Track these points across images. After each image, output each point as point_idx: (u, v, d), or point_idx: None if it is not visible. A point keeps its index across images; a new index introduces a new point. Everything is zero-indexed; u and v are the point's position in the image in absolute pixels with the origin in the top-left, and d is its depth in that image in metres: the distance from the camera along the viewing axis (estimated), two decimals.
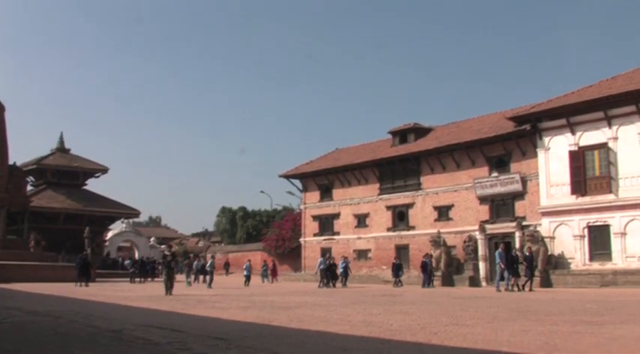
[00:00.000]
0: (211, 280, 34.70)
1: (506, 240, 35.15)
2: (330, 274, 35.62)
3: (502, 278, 28.36)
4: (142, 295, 24.83)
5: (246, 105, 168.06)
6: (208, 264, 37.15)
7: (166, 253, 27.86)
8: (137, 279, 41.38)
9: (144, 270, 42.94)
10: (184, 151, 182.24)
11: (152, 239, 67.41)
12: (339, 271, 36.29)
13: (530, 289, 27.96)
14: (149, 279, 42.98)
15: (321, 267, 35.68)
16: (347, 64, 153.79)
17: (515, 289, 27.88)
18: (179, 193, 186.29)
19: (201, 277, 40.75)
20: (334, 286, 34.81)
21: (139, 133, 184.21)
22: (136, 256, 55.93)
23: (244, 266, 39.75)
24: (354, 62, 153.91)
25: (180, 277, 40.16)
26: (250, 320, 12.99)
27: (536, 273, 31.65)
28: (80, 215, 55.49)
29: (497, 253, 29.50)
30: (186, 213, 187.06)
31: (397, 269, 35.84)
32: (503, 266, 28.15)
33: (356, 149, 48.70)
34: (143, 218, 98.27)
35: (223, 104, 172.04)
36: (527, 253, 30.15)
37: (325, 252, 43.21)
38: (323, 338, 9.99)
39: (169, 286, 24.79)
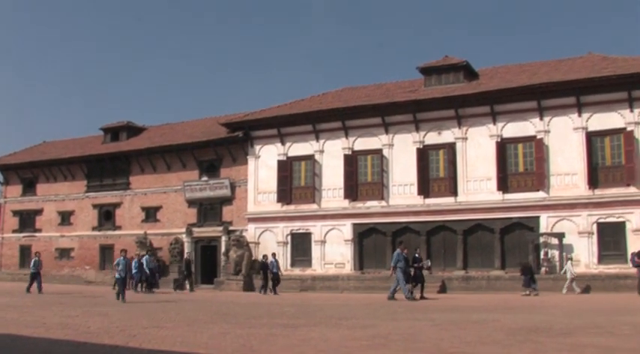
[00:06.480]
0: None
1: (212, 243, 32.69)
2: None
3: (408, 282, 20.94)
4: None
5: None
6: None
7: None
8: None
9: None
10: None
11: None
12: (134, 271, 26.18)
13: (422, 296, 20.88)
14: None
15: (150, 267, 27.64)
16: (56, 52, 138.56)
17: (417, 295, 20.76)
18: None
19: None
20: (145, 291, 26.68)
21: None
22: None
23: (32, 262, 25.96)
24: (63, 51, 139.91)
25: None
26: None
27: (240, 277, 29.65)
28: None
29: (396, 253, 20.93)
30: None
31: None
32: (392, 269, 20.63)
33: (65, 143, 42.77)
34: None
35: None
36: (417, 255, 22.50)
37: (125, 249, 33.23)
38: (13, 342, 8.94)
39: None
